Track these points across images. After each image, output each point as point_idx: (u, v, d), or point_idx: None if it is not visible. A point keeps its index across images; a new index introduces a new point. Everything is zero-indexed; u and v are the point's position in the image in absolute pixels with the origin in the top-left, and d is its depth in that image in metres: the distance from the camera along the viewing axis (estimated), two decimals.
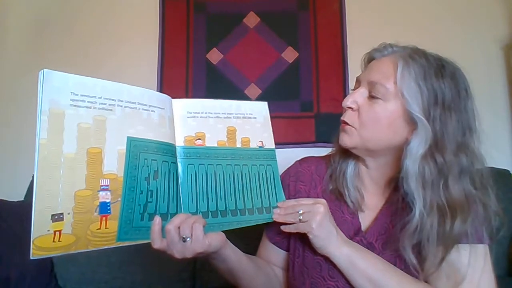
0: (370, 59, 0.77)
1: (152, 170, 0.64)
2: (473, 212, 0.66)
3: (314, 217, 0.68)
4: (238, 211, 0.73)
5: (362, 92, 0.72)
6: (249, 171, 0.76)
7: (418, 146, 0.66)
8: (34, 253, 0.51)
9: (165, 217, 0.64)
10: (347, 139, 0.73)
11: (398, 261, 0.71)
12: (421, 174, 0.66)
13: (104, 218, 0.57)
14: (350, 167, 0.79)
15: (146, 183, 0.62)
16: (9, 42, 1.80)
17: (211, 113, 0.75)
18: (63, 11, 1.82)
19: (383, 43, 0.75)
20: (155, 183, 0.64)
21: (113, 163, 0.59)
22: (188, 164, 0.70)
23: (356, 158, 0.78)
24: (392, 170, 0.74)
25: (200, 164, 0.71)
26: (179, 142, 0.70)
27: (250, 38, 1.81)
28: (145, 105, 0.65)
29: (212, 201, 0.71)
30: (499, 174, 1.45)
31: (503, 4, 1.80)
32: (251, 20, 1.82)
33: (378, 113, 0.69)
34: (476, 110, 0.69)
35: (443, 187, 0.66)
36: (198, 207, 0.69)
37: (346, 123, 0.73)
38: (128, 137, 0.61)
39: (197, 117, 0.73)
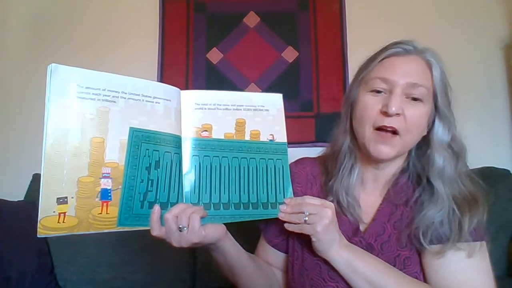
0: (389, 55, 0.73)
1: (154, 160, 0.66)
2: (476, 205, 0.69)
3: (321, 221, 0.66)
4: (242, 205, 0.73)
5: (400, 95, 0.69)
6: (256, 164, 0.75)
7: (443, 137, 0.71)
8: (40, 232, 0.55)
9: (165, 206, 0.66)
10: (390, 151, 0.70)
11: (397, 261, 0.71)
12: (446, 163, 0.70)
13: (105, 204, 0.61)
14: (354, 174, 0.77)
15: (146, 172, 0.65)
16: (9, 42, 1.80)
17: (220, 105, 0.74)
18: (63, 11, 1.82)
19: (404, 40, 0.73)
20: (156, 172, 0.66)
21: (115, 152, 0.62)
22: (193, 155, 0.71)
23: (364, 160, 0.77)
24: (396, 166, 0.77)
25: (205, 156, 0.71)
26: (185, 134, 0.71)
27: (250, 38, 1.80)
28: (150, 96, 0.67)
29: (215, 193, 0.71)
30: (499, 174, 1.45)
31: (503, 4, 1.80)
32: (251, 20, 1.82)
33: (421, 115, 0.70)
34: None
35: (459, 174, 0.70)
36: (200, 198, 0.70)
37: (392, 130, 0.69)
38: (130, 128, 0.64)
39: (205, 108, 0.73)
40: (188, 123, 0.71)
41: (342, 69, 1.77)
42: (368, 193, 0.79)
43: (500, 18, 1.79)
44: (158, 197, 0.66)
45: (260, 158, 0.75)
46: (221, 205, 0.71)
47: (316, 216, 0.67)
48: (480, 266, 0.67)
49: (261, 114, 0.77)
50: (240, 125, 0.75)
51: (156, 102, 0.67)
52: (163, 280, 1.38)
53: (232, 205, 0.72)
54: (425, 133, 0.73)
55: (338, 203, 0.77)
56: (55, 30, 1.80)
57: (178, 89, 0.72)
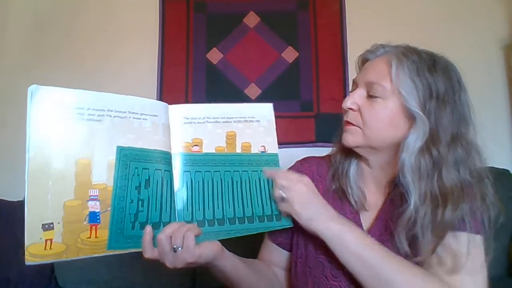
0: (364, 60, 0.78)
1: (143, 179, 0.63)
2: (470, 201, 0.66)
3: (296, 197, 0.67)
4: (237, 220, 0.70)
5: (360, 92, 0.73)
6: (249, 177, 0.73)
7: (415, 140, 0.67)
8: (28, 259, 0.53)
9: (158, 226, 0.63)
10: (351, 139, 0.73)
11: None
12: (417, 166, 0.67)
13: (94, 227, 0.58)
14: (353, 166, 0.79)
15: (136, 192, 0.63)
16: (8, 43, 1.79)
17: (210, 118, 0.72)
18: (63, 12, 1.81)
19: (375, 44, 0.77)
20: (146, 192, 0.64)
21: (103, 173, 0.60)
22: (184, 171, 0.69)
23: (359, 157, 0.78)
24: (394, 168, 0.73)
25: (196, 171, 0.69)
26: (175, 149, 0.69)
27: (250, 38, 1.80)
28: (136, 113, 0.65)
29: (208, 209, 0.69)
30: (499, 174, 1.44)
31: (503, 4, 1.79)
32: (251, 20, 1.81)
33: (379, 112, 0.70)
34: (470, 101, 0.71)
35: (437, 178, 0.66)
36: (194, 216, 0.68)
37: (350, 123, 0.73)
38: (117, 147, 0.62)
39: (194, 122, 0.71)
40: (177, 138, 0.69)
41: (342, 69, 1.77)
42: (373, 193, 0.78)
43: (500, 18, 1.79)
44: (149, 217, 0.63)
45: (253, 171, 0.73)
46: (216, 221, 0.69)
47: (292, 193, 0.67)
48: (475, 257, 0.65)
49: (252, 125, 0.75)
50: (230, 138, 0.73)
51: (143, 119, 0.65)
52: (162, 280, 1.37)
53: (227, 220, 0.70)
54: (400, 132, 0.70)
55: (342, 191, 0.78)
56: (54, 31, 1.79)
57: (166, 104, 0.70)
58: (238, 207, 0.71)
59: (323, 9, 1.81)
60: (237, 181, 0.72)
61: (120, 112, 0.63)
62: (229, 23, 1.81)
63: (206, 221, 0.68)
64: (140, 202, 0.63)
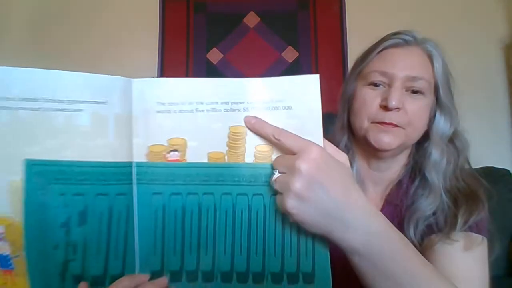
0: (388, 47, 0.68)
1: (75, 211, 0.40)
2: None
3: (288, 191, 0.38)
4: (235, 276, 0.43)
5: (401, 88, 0.64)
6: (265, 205, 0.42)
7: (444, 131, 0.66)
8: None
9: (101, 281, 0.41)
10: (393, 140, 0.64)
11: None
12: (443, 156, 0.66)
13: (8, 273, 0.40)
14: (353, 171, 0.71)
15: (63, 232, 0.40)
16: (8, 38, 1.77)
17: (202, 104, 0.41)
18: (63, 11, 1.77)
19: (404, 30, 0.68)
20: (79, 231, 0.40)
21: (3, 203, 0.38)
22: (153, 194, 0.43)
23: (363, 160, 0.72)
24: (398, 168, 0.71)
25: (173, 194, 0.43)
26: (139, 157, 0.42)
27: (250, 38, 1.77)
28: (62, 101, 0.39)
29: (190, 254, 0.43)
30: (499, 174, 1.41)
31: (503, 4, 1.73)
32: (251, 20, 1.79)
33: (421, 109, 0.65)
34: None
35: (459, 168, 0.66)
36: (165, 265, 0.43)
37: (395, 125, 0.64)
38: (26, 161, 0.38)
39: (175, 111, 0.42)
40: (143, 137, 0.42)
41: (342, 69, 1.73)
42: (372, 197, 0.72)
43: (500, 18, 1.72)
44: (87, 269, 0.41)
45: (271, 195, 0.41)
46: (200, 274, 0.43)
47: (285, 180, 0.38)
48: (478, 260, 0.60)
49: (277, 115, 0.41)
50: (236, 137, 0.42)
51: (75, 110, 0.39)
52: None
53: (219, 275, 0.43)
54: (426, 127, 0.68)
55: None
56: (54, 30, 1.75)
57: (126, 78, 0.41)
58: (240, 255, 0.43)
59: (323, 9, 1.76)
60: (242, 211, 0.43)
61: (31, 100, 0.38)
62: (229, 23, 1.77)
63: (184, 274, 0.43)
64: (70, 248, 0.40)
